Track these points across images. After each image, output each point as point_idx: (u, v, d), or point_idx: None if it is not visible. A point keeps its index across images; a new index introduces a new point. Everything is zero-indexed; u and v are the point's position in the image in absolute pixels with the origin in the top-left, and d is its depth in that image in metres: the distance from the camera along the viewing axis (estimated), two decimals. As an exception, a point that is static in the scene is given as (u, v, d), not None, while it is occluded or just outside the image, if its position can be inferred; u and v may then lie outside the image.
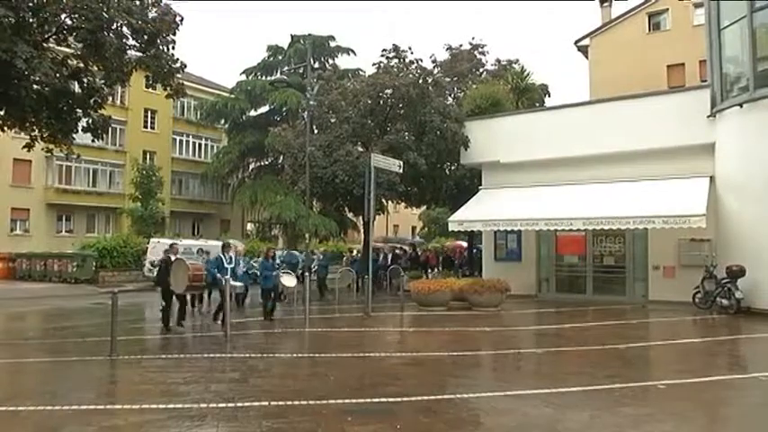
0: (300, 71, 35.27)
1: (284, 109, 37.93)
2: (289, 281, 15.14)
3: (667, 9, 29.42)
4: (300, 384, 7.78)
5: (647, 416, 6.41)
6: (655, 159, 16.49)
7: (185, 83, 16.04)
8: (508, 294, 16.02)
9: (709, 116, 15.96)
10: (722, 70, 15.87)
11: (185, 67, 15.02)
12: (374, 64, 23.35)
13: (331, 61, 40.18)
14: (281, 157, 29.97)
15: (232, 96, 39.70)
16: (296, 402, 6.55)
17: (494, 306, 15.43)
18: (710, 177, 15.87)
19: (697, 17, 25.55)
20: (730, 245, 15.09)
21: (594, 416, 6.40)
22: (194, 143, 44.03)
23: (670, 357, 10.04)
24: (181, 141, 43.20)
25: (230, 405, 6.52)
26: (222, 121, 41.84)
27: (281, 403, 6.52)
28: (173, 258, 12.75)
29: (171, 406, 6.45)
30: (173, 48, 14.40)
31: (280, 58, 40.10)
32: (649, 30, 30.33)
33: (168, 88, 15.09)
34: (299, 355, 10.20)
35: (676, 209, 14.72)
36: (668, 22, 29.76)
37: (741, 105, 14.78)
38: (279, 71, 39.96)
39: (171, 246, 13.68)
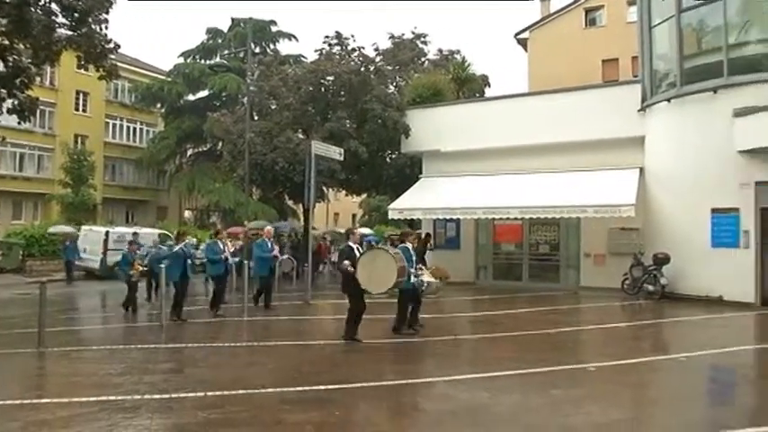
0: (241, 56, 34.58)
1: (224, 94, 37.11)
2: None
3: (603, 6, 30.33)
4: (238, 373, 7.69)
5: (577, 397, 6.68)
6: (589, 151, 17.03)
7: (119, 64, 15.52)
8: (447, 282, 16.24)
9: (639, 110, 16.60)
10: (652, 66, 16.53)
11: (119, 47, 14.49)
12: (316, 50, 23.21)
13: (272, 46, 39.52)
14: (220, 144, 29.42)
15: (169, 80, 38.55)
16: (233, 392, 6.48)
17: (434, 294, 15.60)
18: (640, 169, 16.51)
19: (630, 15, 26.42)
20: (657, 233, 15.78)
21: (527, 398, 6.62)
22: (129, 127, 42.45)
23: (599, 341, 10.48)
24: (114, 125, 41.52)
25: (165, 396, 6.39)
26: (158, 105, 40.59)
27: (217, 393, 6.43)
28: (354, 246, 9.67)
29: (103, 398, 6.26)
30: (106, 27, 13.86)
31: (219, 41, 39.13)
32: (586, 25, 31.18)
33: (101, 69, 14.53)
34: (237, 344, 10.07)
35: (608, 199, 15.26)
36: (604, 19, 30.68)
37: (669, 100, 15.43)
38: (218, 55, 39.12)
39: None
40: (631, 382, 7.60)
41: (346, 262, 9.28)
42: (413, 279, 9.93)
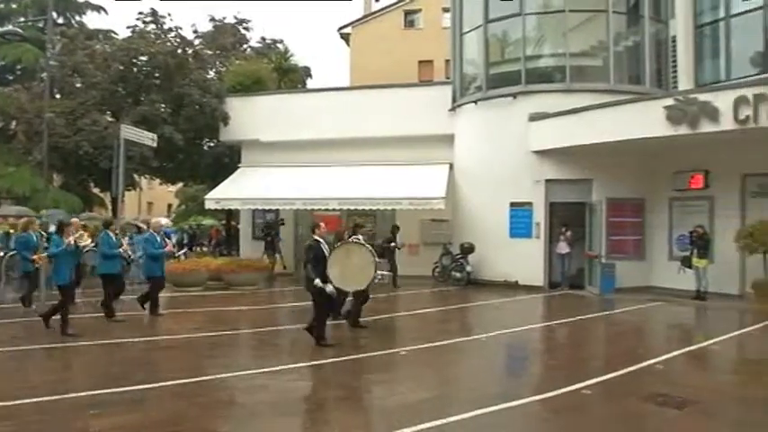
0: (40, 25, 30.99)
1: (18, 67, 32.93)
2: None
3: (421, 9, 31.95)
4: (37, 379, 6.91)
5: (387, 380, 7.01)
6: (404, 146, 17.86)
7: None
8: (268, 273, 16.13)
9: (450, 110, 17.78)
10: (462, 70, 17.81)
11: None
12: (129, 27, 21.57)
13: (78, 18, 35.91)
14: (14, 123, 26.16)
15: (-51, 46, 33.39)
16: (29, 400, 5.81)
17: (252, 285, 15.41)
18: (450, 165, 17.68)
19: (445, 20, 28.08)
20: (464, 225, 17.04)
21: (341, 384, 6.80)
22: None
23: (411, 326, 11.06)
24: None
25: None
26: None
27: (9, 404, 5.70)
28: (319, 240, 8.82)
29: None
30: None
31: (14, 6, 34.61)
32: (405, 26, 32.62)
33: None
34: (38, 346, 8.97)
35: (420, 192, 16.15)
36: (421, 22, 32.33)
37: (476, 102, 16.73)
38: (12, 22, 34.65)
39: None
40: (438, 363, 8.15)
41: (318, 281, 8.34)
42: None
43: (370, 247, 9.07)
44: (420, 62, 30.64)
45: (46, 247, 10.61)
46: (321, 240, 8.78)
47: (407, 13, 32.54)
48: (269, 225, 18.67)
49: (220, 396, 6.40)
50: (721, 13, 15.32)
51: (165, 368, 7.50)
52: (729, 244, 13.30)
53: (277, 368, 7.26)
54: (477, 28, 16.88)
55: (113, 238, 10.72)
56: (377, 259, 8.95)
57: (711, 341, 9.33)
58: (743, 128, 11.65)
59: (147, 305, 11.05)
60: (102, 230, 10.96)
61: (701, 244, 13.56)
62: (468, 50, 17.69)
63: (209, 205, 18.09)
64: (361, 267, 8.67)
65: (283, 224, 18.86)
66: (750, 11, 14.67)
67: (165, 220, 32.46)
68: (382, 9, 33.15)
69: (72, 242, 9.29)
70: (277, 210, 18.52)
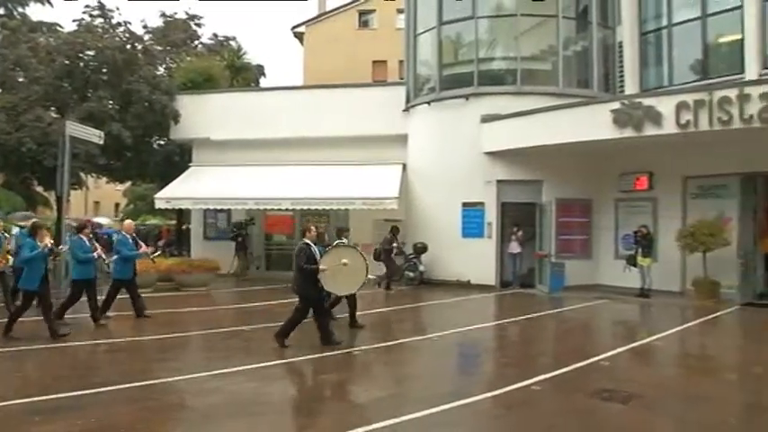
0: (-23, 15, 29.70)
1: (-46, 60, 31.54)
2: None
3: (375, 10, 32.02)
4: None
5: (340, 380, 7.01)
6: (358, 146, 17.84)
7: None
8: (218, 274, 15.89)
9: (404, 110, 17.88)
10: (416, 71, 17.94)
11: None
12: (75, 20, 20.86)
13: (20, 9, 34.56)
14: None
15: None
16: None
17: (203, 286, 15.16)
18: (403, 165, 17.76)
19: (399, 21, 28.17)
20: (417, 225, 17.15)
21: (295, 385, 6.77)
22: None
23: (365, 325, 11.04)
24: None
25: None
26: None
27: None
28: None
29: None
30: None
31: (-51, -4, 33.14)
32: (359, 26, 32.63)
33: None
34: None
35: (374, 192, 16.16)
36: (375, 22, 32.42)
37: (429, 103, 16.88)
38: (-54, 11, 33.12)
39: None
40: (392, 362, 8.21)
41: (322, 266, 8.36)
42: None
43: (362, 251, 9.11)
44: (374, 62, 30.72)
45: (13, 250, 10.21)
46: (311, 243, 8.72)
47: (362, 13, 32.58)
48: (239, 225, 18.40)
49: (171, 399, 6.28)
50: (664, 22, 15.87)
51: (112, 372, 7.31)
52: (671, 243, 13.80)
53: (229, 370, 7.15)
54: (430, 29, 17.04)
55: (87, 242, 10.21)
56: (368, 262, 9.00)
57: (654, 337, 9.67)
58: (684, 132, 12.12)
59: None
60: (75, 235, 10.50)
61: (644, 243, 14.04)
62: (422, 51, 17.84)
63: (158, 205, 17.68)
64: (354, 271, 8.68)
65: (253, 224, 18.63)
66: (690, 20, 15.25)
67: (105, 220, 31.35)
68: (336, 9, 33.08)
69: (48, 245, 8.88)
70: (229, 210, 18.26)
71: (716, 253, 12.96)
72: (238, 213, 18.55)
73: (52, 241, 9.24)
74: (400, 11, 23.83)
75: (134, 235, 11.48)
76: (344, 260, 8.57)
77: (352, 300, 9.89)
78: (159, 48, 24.21)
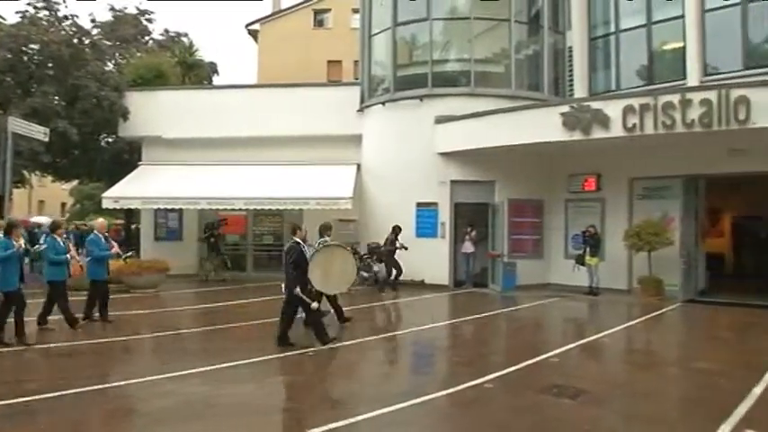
0: None
1: None
2: None
3: (330, 9, 31.91)
4: None
5: (294, 381, 6.98)
6: (312, 145, 17.77)
7: None
8: (169, 275, 15.56)
9: (358, 110, 17.88)
10: (371, 72, 17.96)
11: None
12: (18, 12, 20.11)
13: (-44, 0, 33.14)
14: None
15: None
16: None
17: (153, 287, 14.83)
18: (357, 165, 17.77)
19: (354, 21, 28.18)
20: (371, 225, 17.17)
21: (248, 387, 6.69)
22: None
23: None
24: None
25: None
26: None
27: None
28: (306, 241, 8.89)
29: None
30: None
31: None
32: (315, 25, 32.46)
33: None
34: None
35: (328, 192, 16.14)
36: (331, 22, 32.30)
37: (384, 104, 16.93)
38: None
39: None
40: (346, 363, 8.21)
41: (297, 291, 8.36)
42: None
43: (352, 251, 9.24)
44: (329, 62, 30.61)
45: None
46: (301, 242, 8.73)
47: (317, 12, 32.43)
48: (211, 226, 18.03)
49: (120, 404, 6.13)
50: (612, 28, 16.35)
51: (59, 377, 7.06)
52: (618, 243, 14.24)
53: (180, 373, 7.03)
54: (385, 30, 17.09)
55: (61, 242, 9.80)
56: (358, 263, 9.05)
57: (602, 334, 9.95)
58: (630, 135, 12.51)
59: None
60: (48, 235, 10.07)
61: (593, 243, 14.45)
62: (377, 52, 17.87)
63: (106, 204, 17.16)
64: (344, 271, 8.81)
65: (226, 223, 18.31)
66: (636, 27, 15.76)
67: (45, 219, 30.26)
68: (291, 7, 32.84)
69: (22, 245, 8.58)
70: (180, 209, 17.90)
71: (660, 252, 13.46)
72: (190, 213, 18.21)
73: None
74: (356, 11, 23.84)
75: (106, 234, 11.16)
76: (335, 263, 8.76)
77: (333, 297, 9.89)
78: (108, 43, 23.58)
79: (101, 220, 12.17)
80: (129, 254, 11.96)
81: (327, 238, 10.13)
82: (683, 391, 7.05)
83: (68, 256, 9.81)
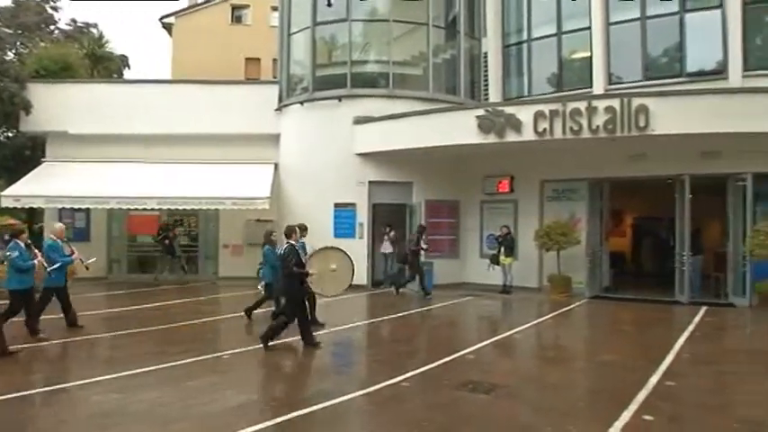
0: None
1: None
2: None
3: (249, 5, 31.33)
4: None
5: (213, 384, 6.83)
6: (229, 144, 17.43)
7: None
8: (75, 278, 14.78)
9: (276, 109, 17.68)
10: (289, 70, 17.81)
11: None
12: None
13: None
14: None
15: None
16: None
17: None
18: (275, 164, 17.57)
19: (273, 19, 27.75)
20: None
21: (163, 392, 6.49)
22: None
23: (237, 329, 10.84)
24: None
25: None
26: None
27: None
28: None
29: None
30: None
31: None
32: (232, 21, 31.76)
33: None
34: None
35: (244, 192, 15.86)
36: (249, 18, 31.71)
37: (302, 103, 16.83)
38: None
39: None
40: (264, 365, 8.10)
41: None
42: None
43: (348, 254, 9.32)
44: (247, 59, 30.06)
45: None
46: (296, 245, 8.78)
47: (235, 8, 31.75)
48: (165, 227, 17.28)
49: (22, 417, 5.77)
50: (525, 36, 17.01)
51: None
52: (530, 242, 14.83)
53: (91, 380, 6.73)
54: (305, 29, 16.99)
55: (24, 248, 9.07)
56: (354, 265, 9.34)
57: (514, 330, 10.35)
58: (541, 139, 13.09)
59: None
60: (11, 240, 9.22)
61: (506, 243, 14.96)
62: (296, 51, 17.74)
63: (5, 203, 16.03)
64: (340, 273, 9.02)
65: (182, 224, 17.53)
66: (547, 36, 16.49)
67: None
68: (208, 1, 32.00)
69: None
70: (88, 209, 17.04)
71: (568, 251, 14.14)
72: (99, 213, 17.38)
73: None
74: (275, 8, 23.56)
75: (64, 240, 10.54)
76: (333, 265, 9.00)
77: (311, 298, 9.84)
78: (8, 30, 22.20)
79: (59, 224, 11.52)
80: (93, 259, 11.34)
81: (304, 240, 10.24)
82: (590, 383, 7.46)
83: (35, 262, 9.18)
